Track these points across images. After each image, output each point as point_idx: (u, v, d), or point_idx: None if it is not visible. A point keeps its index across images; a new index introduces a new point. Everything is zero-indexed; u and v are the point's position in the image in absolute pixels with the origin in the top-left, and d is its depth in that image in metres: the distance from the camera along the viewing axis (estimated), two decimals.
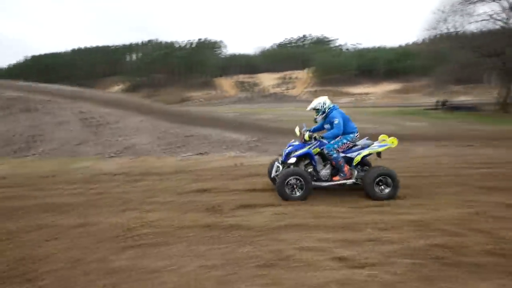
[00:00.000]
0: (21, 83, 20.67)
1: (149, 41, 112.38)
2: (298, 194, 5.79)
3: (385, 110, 34.54)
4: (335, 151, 5.89)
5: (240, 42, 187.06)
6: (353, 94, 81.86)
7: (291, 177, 5.74)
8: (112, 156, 9.63)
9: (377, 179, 5.76)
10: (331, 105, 6.10)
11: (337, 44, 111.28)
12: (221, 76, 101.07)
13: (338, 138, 5.94)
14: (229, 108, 36.82)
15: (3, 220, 5.18)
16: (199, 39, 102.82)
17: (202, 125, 13.23)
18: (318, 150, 6.02)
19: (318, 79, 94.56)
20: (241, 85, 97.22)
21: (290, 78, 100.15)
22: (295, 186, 5.79)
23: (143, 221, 4.97)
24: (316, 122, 6.33)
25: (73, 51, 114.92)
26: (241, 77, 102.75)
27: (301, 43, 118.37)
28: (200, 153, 10.25)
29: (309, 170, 6.07)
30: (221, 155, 10.08)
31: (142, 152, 10.05)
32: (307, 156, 6.04)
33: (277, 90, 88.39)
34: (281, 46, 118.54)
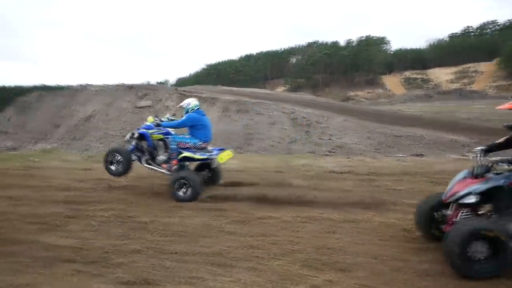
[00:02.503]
0: (223, 87, 24.02)
1: (313, 43, 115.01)
2: (116, 167, 6.68)
3: None
4: (175, 144, 6.41)
5: (407, 36, 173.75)
6: None
7: (112, 153, 6.71)
8: (326, 155, 10.02)
9: (179, 182, 6.16)
10: (195, 108, 6.60)
11: None
12: (386, 73, 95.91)
13: (187, 136, 6.53)
14: (408, 106, 34.37)
15: (275, 210, 5.75)
16: (361, 37, 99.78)
17: (404, 125, 12.56)
18: (162, 136, 6.63)
19: (507, 72, 79.48)
20: (411, 82, 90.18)
21: (472, 71, 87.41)
22: (116, 161, 6.64)
23: None
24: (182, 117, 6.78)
25: (241, 57, 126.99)
26: (410, 74, 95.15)
27: (483, 31, 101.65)
28: (416, 155, 9.67)
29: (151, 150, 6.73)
30: (441, 157, 9.30)
31: (355, 151, 10.14)
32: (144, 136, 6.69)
33: (455, 85, 78.38)
34: (457, 36, 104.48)
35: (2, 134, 16.32)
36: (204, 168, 7.03)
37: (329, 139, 10.59)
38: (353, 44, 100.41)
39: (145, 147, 6.81)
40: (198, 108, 6.68)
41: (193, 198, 6.14)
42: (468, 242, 3.27)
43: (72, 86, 20.88)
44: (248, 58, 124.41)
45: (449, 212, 3.93)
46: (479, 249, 3.29)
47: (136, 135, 6.80)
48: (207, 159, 6.47)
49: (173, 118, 6.97)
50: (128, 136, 7.00)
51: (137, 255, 4.17)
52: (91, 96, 16.74)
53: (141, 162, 6.83)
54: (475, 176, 3.79)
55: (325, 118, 12.60)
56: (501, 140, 4.01)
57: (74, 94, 17.93)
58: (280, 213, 5.52)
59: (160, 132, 6.67)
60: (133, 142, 6.81)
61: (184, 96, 14.84)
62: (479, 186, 3.68)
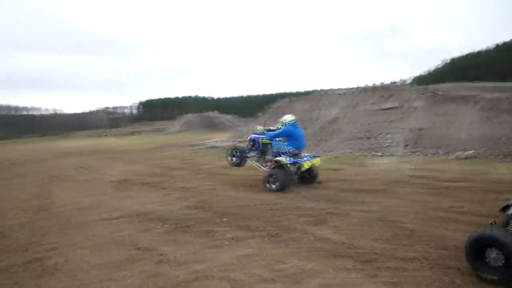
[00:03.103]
0: (483, 83, 20.52)
1: None
2: (234, 160, 8.81)
3: None
4: (275, 148, 8.12)
5: None
6: None
7: (235, 150, 8.92)
8: None
9: (269, 178, 7.72)
10: (291, 122, 8.08)
11: None
12: None
13: (285, 144, 8.07)
14: None
15: None
16: None
17: None
18: (268, 141, 8.32)
19: None
20: None
21: None
22: (235, 155, 8.81)
23: None
24: (278, 128, 8.34)
25: (497, 47, 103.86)
26: None
27: None
28: None
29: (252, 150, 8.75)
30: None
31: None
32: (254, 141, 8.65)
33: None
34: None
35: None
36: (298, 170, 8.12)
37: None
38: None
39: (256, 149, 8.59)
40: (294, 122, 8.11)
41: (280, 189, 7.53)
42: (477, 248, 3.37)
43: (317, 91, 22.77)
44: (503, 47, 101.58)
45: None
46: (494, 256, 3.27)
47: (249, 137, 8.78)
48: (295, 163, 7.89)
49: (281, 126, 8.21)
50: (246, 139, 9.39)
51: (413, 264, 3.83)
52: (335, 99, 17.56)
53: (251, 160, 8.76)
54: None
55: None
56: None
57: (319, 99, 19.31)
58: None
59: (266, 138, 8.33)
60: (249, 144, 8.72)
61: (436, 95, 13.39)
62: None
